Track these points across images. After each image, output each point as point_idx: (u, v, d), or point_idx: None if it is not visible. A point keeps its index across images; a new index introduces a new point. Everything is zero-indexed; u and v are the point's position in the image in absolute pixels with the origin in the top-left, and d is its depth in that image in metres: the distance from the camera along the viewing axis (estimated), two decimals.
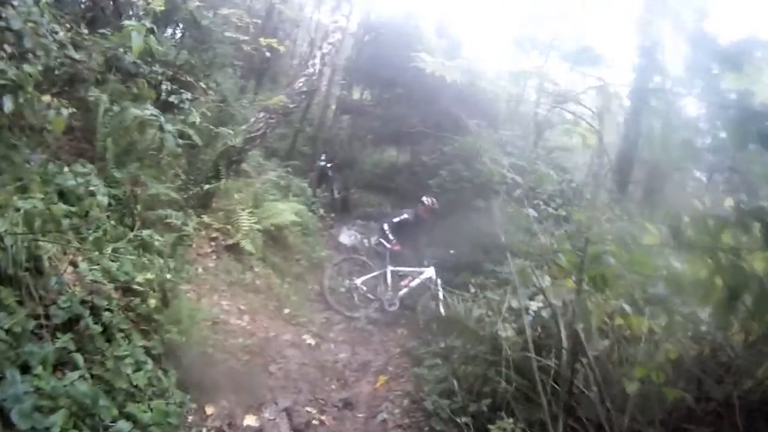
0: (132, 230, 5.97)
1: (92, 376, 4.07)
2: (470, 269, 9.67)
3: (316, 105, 16.33)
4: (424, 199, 10.13)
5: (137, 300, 4.98)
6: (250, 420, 5.23)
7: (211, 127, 8.85)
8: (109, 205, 6.18)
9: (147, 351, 4.71)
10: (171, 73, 8.81)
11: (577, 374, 4.61)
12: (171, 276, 5.32)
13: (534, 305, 6.32)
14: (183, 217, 6.59)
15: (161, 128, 6.56)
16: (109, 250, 5.46)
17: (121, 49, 7.70)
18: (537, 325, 5.98)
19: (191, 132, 8.27)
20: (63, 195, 5.51)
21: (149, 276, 4.98)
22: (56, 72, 6.89)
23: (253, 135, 8.90)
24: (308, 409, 5.72)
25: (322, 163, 14.40)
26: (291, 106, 9.44)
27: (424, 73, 13.49)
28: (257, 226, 8.19)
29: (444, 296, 8.92)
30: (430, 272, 9.43)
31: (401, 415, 6.21)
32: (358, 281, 9.29)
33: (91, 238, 5.44)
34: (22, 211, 4.21)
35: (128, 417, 3.95)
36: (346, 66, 15.81)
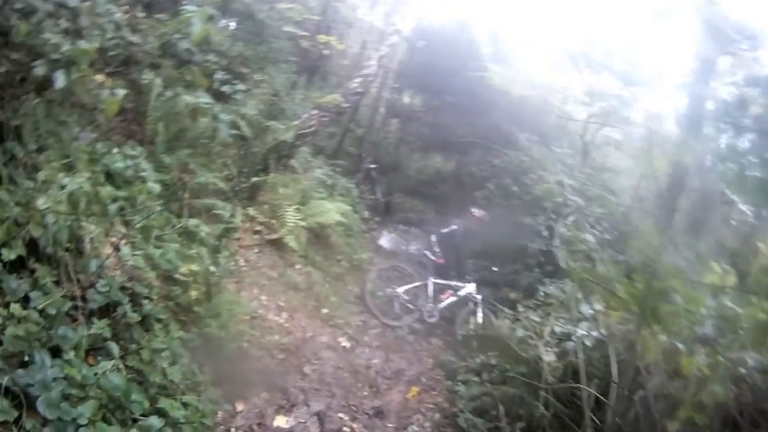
0: (178, 218, 5.79)
1: (126, 366, 3.86)
2: (510, 286, 9.36)
3: (366, 107, 16.06)
4: (475, 210, 9.88)
5: (178, 290, 4.79)
6: (280, 421, 5.01)
7: (262, 120, 8.65)
8: (157, 191, 6.02)
9: (184, 343, 4.51)
10: (225, 62, 8.62)
11: (631, 409, 4.31)
12: (216, 269, 5.10)
13: (578, 331, 6.02)
14: (231, 209, 6.37)
15: (215, 117, 6.34)
16: (153, 236, 5.29)
17: (177, 35, 7.52)
18: (579, 352, 5.67)
19: (242, 123, 8.09)
20: (110, 176, 5.33)
21: (194, 267, 4.77)
22: (110, 53, 6.77)
23: (304, 131, 8.71)
24: (340, 415, 5.49)
25: (369, 165, 14.17)
26: (345, 105, 9.25)
27: (475, 83, 13.29)
28: (302, 223, 7.98)
29: (484, 313, 8.68)
30: (470, 288, 9.14)
31: (432, 429, 5.97)
32: (400, 290, 8.98)
33: (138, 224, 5.30)
34: (66, 191, 4.00)
35: (160, 413, 3.72)
36: (398, 70, 15.52)
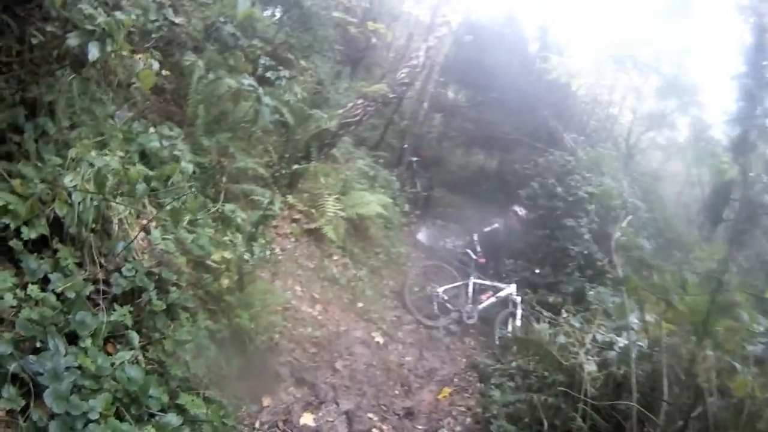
0: (214, 202, 5.50)
1: (146, 358, 3.56)
2: (549, 289, 8.92)
3: (410, 99, 15.70)
4: (517, 208, 9.43)
5: (209, 278, 4.47)
6: (307, 419, 4.69)
7: (305, 108, 8.31)
8: (193, 173, 5.73)
9: (212, 335, 4.21)
10: (270, 49, 8.31)
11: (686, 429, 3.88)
12: (250, 257, 4.78)
13: (621, 341, 5.59)
14: (270, 196, 6.04)
15: (258, 100, 6.03)
16: (186, 220, 4.99)
17: (222, 19, 7.25)
18: (621, 363, 5.24)
19: (285, 110, 7.77)
20: (145, 156, 5.07)
21: (227, 254, 4.44)
22: (153, 35, 6.55)
23: (348, 120, 8.35)
24: (370, 415, 5.15)
25: (411, 158, 13.78)
26: (390, 95, 8.86)
27: (521, 80, 12.83)
28: (342, 214, 7.63)
29: (523, 315, 8.25)
30: (511, 289, 8.70)
31: None
32: (440, 289, 8.57)
33: (168, 207, 5.02)
34: (94, 169, 3.71)
35: (179, 409, 3.41)
36: (444, 64, 15.08)
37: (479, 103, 15.62)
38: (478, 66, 13.96)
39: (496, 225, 9.13)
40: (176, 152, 5.33)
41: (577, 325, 6.69)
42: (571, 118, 14.15)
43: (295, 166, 7.51)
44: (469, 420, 5.78)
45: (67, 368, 3.00)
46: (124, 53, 4.02)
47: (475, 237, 8.94)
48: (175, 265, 4.21)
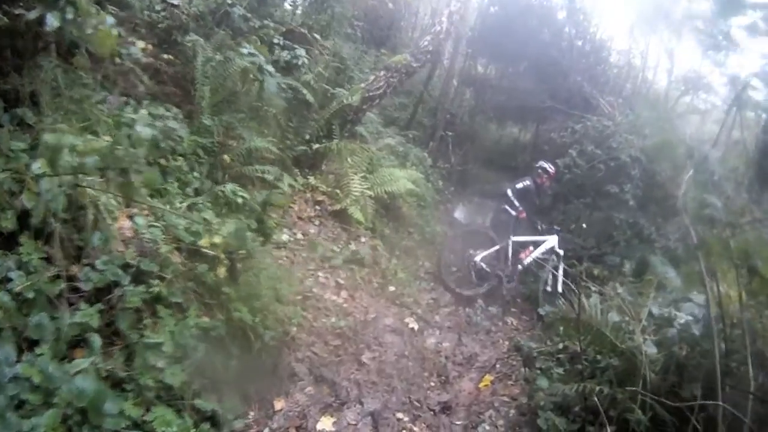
0: (218, 185, 4.78)
1: (111, 366, 2.85)
2: (594, 260, 8.00)
3: (438, 77, 14.93)
4: (545, 164, 8.41)
5: (204, 267, 3.72)
6: (325, 423, 3.92)
7: (327, 87, 7.54)
8: (198, 156, 5.03)
9: (205, 333, 3.47)
10: (284, 30, 7.54)
11: None
12: (251, 241, 4.03)
13: (682, 316, 4.71)
14: (276, 173, 5.29)
15: (261, 70, 5.29)
16: (184, 205, 4.29)
17: (229, 1, 6.55)
18: (683, 343, 4.37)
19: (305, 91, 7.04)
20: (137, 140, 4.37)
21: (216, 239, 3.69)
22: (159, 25, 6.14)
23: (371, 94, 7.53)
24: (399, 415, 4.33)
25: (444, 132, 12.95)
26: (414, 65, 7.99)
27: (552, 47, 11.90)
28: (369, 193, 6.84)
29: (565, 274, 7.37)
30: (552, 241, 7.78)
31: (506, 428, 4.74)
32: (478, 257, 7.66)
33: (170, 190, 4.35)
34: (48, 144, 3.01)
35: (145, 427, 2.69)
36: (471, 37, 14.19)
37: (510, 75, 14.63)
38: (506, 36, 13.02)
39: (527, 181, 8.15)
40: (173, 135, 4.66)
41: (629, 298, 5.85)
42: (606, 84, 13.19)
43: (316, 146, 6.75)
44: (513, 412, 4.96)
45: (14, 379, 2.37)
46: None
47: (509, 192, 7.89)
48: (160, 255, 3.47)
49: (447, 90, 13.74)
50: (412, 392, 4.72)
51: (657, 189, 8.56)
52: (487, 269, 7.61)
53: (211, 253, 3.65)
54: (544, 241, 7.83)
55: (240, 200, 4.48)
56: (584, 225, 8.50)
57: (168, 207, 3.90)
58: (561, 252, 7.74)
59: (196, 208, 4.31)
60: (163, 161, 4.62)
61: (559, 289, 7.33)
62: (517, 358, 6.13)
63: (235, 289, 3.73)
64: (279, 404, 3.88)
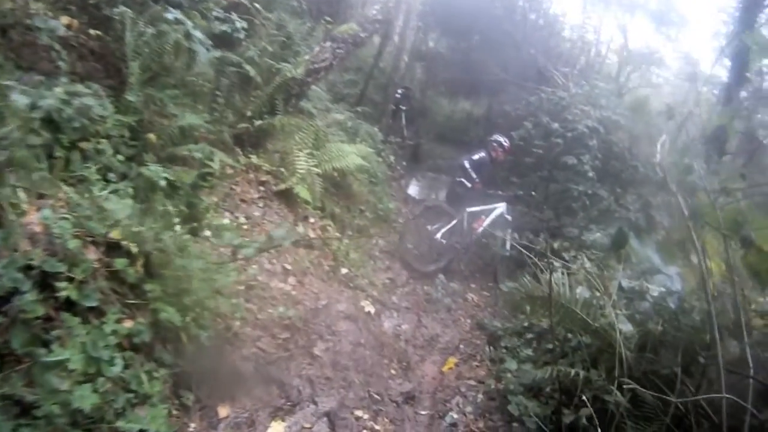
0: (142, 167, 4.18)
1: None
2: (553, 234, 7.67)
3: (389, 53, 14.37)
4: (499, 138, 7.99)
5: (124, 262, 3.15)
6: (276, 428, 3.45)
7: (272, 62, 6.91)
8: (123, 137, 4.40)
9: (130, 339, 2.93)
10: (225, 2, 6.86)
11: None
12: (170, 229, 3.47)
13: (654, 289, 4.37)
14: (204, 150, 4.70)
15: (188, 36, 4.68)
16: (105, 192, 3.68)
17: None
18: (658, 316, 4.03)
19: (248, 66, 6.46)
20: (52, 122, 3.77)
21: (133, 228, 3.13)
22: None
23: (317, 66, 6.90)
24: (358, 413, 3.89)
25: (398, 95, 12.43)
26: (362, 35, 7.38)
27: (504, 22, 11.51)
28: (316, 170, 6.27)
29: (514, 237, 7.32)
30: (502, 207, 7.58)
31: (475, 415, 4.34)
32: (438, 234, 7.36)
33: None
34: None
35: None
36: (422, 11, 13.65)
37: (462, 49, 14.20)
38: (457, 10, 12.80)
39: (483, 153, 7.76)
40: (93, 115, 4.04)
41: (595, 271, 5.50)
42: (560, 57, 13.00)
43: (258, 122, 6.16)
44: (481, 397, 4.56)
45: None
46: None
47: (467, 164, 7.52)
48: (69, 252, 2.90)
49: (398, 65, 13.21)
50: (371, 384, 4.27)
51: (615, 160, 8.27)
52: (445, 243, 7.29)
53: (128, 245, 3.10)
54: (494, 209, 7.57)
55: (163, 182, 3.88)
56: (533, 192, 8.31)
57: (82, 196, 3.29)
58: (509, 218, 7.58)
59: (118, 194, 3.72)
60: (85, 144, 4.02)
61: (508, 248, 7.25)
62: (481, 337, 5.77)
63: (160, 286, 3.17)
64: (223, 411, 3.37)
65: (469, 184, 7.45)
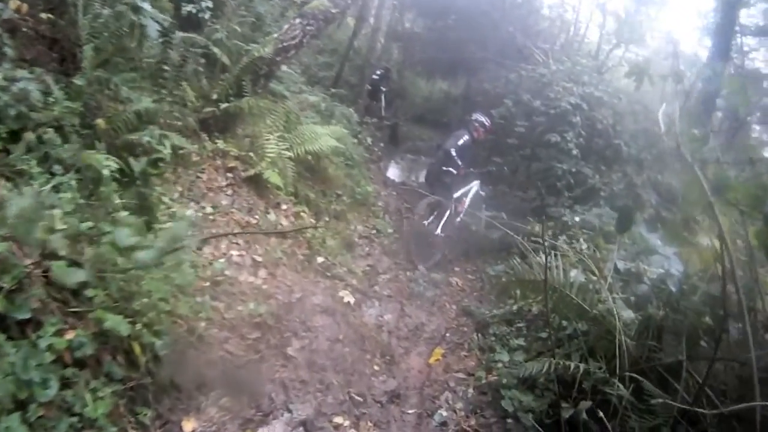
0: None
1: None
2: (535, 213, 7.32)
3: (365, 36, 13.91)
4: (480, 117, 7.56)
5: (61, 264, 2.71)
6: None
7: (241, 44, 6.42)
8: (73, 125, 3.94)
9: (71, 353, 2.51)
10: None
11: None
12: (120, 224, 3.02)
13: (653, 271, 4.03)
14: (152, 134, 4.21)
15: (135, 10, 4.21)
16: (48, 187, 3.25)
17: None
18: (657, 301, 3.68)
19: (215, 49, 6.02)
20: None
21: (61, 224, 2.69)
22: None
23: (286, 44, 6.40)
24: (338, 419, 3.50)
25: (376, 76, 12.00)
26: (333, 10, 6.87)
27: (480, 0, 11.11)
28: (288, 153, 5.82)
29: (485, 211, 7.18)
30: (476, 185, 7.37)
31: (466, 412, 3.97)
32: (438, 230, 6.95)
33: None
34: None
35: None
36: None
37: (439, 28, 13.63)
38: None
39: (466, 136, 7.32)
40: (35, 100, 3.59)
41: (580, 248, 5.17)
42: (539, 35, 12.60)
43: (223, 105, 5.69)
44: (471, 391, 4.18)
45: None
46: None
47: (453, 152, 7.07)
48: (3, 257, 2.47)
49: (374, 46, 12.78)
50: (352, 384, 3.89)
51: (598, 137, 7.89)
52: (443, 236, 6.96)
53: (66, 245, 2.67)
54: (471, 188, 7.36)
55: (106, 172, 3.43)
56: (505, 168, 8.10)
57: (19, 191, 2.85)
58: (483, 194, 7.40)
59: (61, 188, 3.28)
60: (28, 135, 3.56)
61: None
62: (468, 324, 5.41)
63: (103, 290, 2.74)
64: (188, 425, 2.96)
65: (455, 172, 7.09)
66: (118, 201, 3.33)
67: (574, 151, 7.48)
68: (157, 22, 4.48)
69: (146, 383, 2.85)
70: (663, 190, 7.45)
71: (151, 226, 3.40)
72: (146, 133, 4.20)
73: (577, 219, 6.57)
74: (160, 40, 5.01)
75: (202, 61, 5.96)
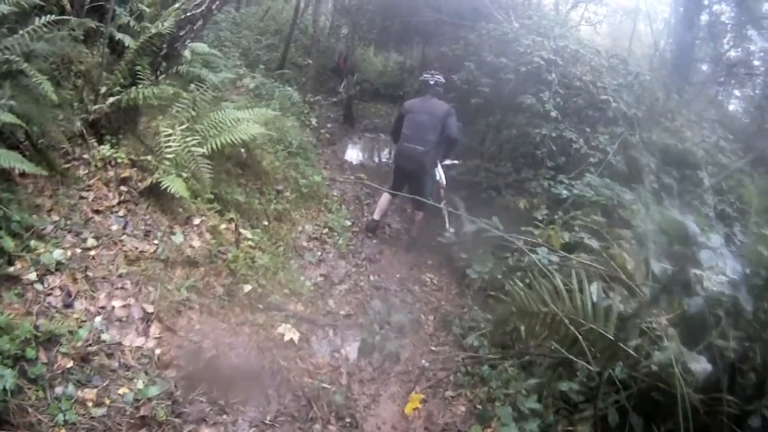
0: None
1: None
2: (512, 188, 5.82)
3: (311, 14, 12.36)
4: (437, 76, 5.80)
5: None
6: None
7: (149, 25, 4.70)
8: None
9: None
10: None
11: None
12: None
13: (709, 276, 2.52)
14: None
15: None
16: None
17: None
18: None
19: (119, 36, 4.49)
20: None
21: None
22: None
23: (190, 15, 4.71)
24: None
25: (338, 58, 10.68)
26: None
27: None
28: (200, 150, 4.10)
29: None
30: (440, 171, 5.76)
31: None
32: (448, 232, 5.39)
33: None
34: None
35: None
36: None
37: None
38: None
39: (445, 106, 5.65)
40: None
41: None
42: None
43: (111, 100, 4.04)
44: None
45: None
46: None
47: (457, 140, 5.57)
48: None
49: (318, 21, 11.18)
50: None
51: (577, 96, 6.27)
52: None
53: None
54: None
55: None
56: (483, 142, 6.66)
57: None
58: (444, 181, 5.90)
59: None
60: None
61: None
62: (450, 341, 3.92)
63: None
64: None
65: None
66: None
67: (553, 113, 5.89)
68: None
69: None
70: (657, 150, 5.92)
71: None
72: None
73: (563, 193, 5.07)
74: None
75: (107, 51, 4.33)
